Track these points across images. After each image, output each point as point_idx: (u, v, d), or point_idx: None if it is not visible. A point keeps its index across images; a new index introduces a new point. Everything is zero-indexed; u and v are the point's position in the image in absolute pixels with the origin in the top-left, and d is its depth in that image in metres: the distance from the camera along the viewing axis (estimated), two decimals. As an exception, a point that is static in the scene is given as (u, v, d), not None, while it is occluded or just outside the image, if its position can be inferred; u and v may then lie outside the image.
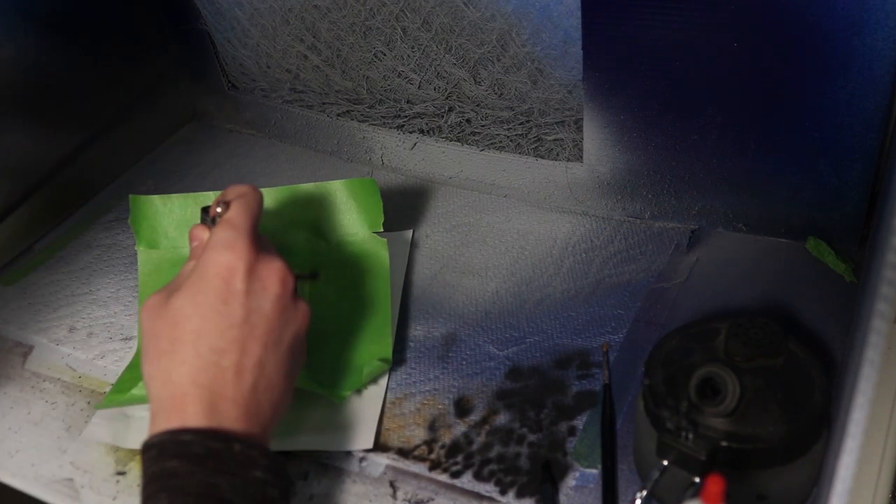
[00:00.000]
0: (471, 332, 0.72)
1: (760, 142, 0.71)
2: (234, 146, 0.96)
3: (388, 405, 0.66)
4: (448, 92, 0.84)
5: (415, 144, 0.87)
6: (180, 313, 0.52)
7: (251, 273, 0.53)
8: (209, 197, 0.75)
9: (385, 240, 0.76)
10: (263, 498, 0.49)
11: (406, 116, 0.87)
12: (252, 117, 0.96)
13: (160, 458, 0.48)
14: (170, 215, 0.75)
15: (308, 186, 0.77)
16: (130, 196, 0.75)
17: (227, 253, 0.53)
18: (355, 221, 0.77)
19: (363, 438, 0.63)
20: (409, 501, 0.59)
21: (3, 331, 0.75)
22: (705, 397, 0.52)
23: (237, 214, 0.56)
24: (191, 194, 0.76)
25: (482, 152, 0.84)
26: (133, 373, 0.67)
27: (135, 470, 0.63)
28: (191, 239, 0.59)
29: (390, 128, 0.88)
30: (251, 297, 0.53)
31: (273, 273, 0.54)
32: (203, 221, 0.60)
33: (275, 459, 0.51)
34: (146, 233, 0.75)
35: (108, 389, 0.69)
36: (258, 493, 0.49)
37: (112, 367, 0.71)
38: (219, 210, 0.57)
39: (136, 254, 0.75)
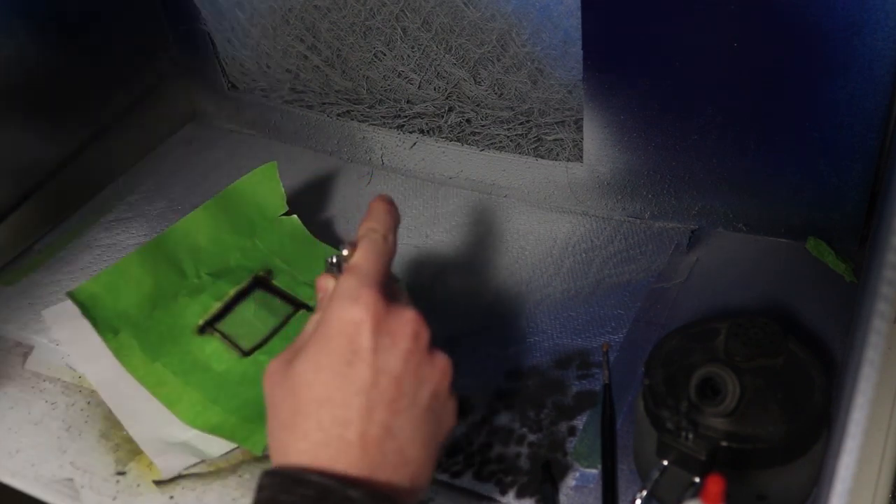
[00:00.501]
0: (471, 332, 0.72)
1: (760, 142, 0.71)
2: (234, 146, 0.96)
3: (388, 405, 0.66)
4: (448, 92, 0.84)
5: (415, 144, 0.87)
6: (301, 379, 0.46)
7: (378, 327, 0.46)
8: (132, 261, 0.72)
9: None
10: None
11: (406, 116, 0.87)
12: (252, 117, 0.96)
13: (319, 502, 0.43)
14: (113, 293, 0.71)
15: (218, 197, 0.77)
16: (68, 293, 0.71)
17: (351, 307, 0.46)
18: (260, 216, 0.78)
19: None
20: (409, 501, 0.59)
21: (3, 331, 0.75)
22: (705, 397, 0.52)
23: (364, 258, 0.49)
24: (119, 263, 0.72)
25: (482, 152, 0.84)
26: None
27: (135, 470, 0.63)
28: (317, 290, 0.53)
29: (390, 128, 0.88)
30: (379, 355, 0.46)
31: (404, 325, 0.47)
32: (328, 270, 0.52)
33: None
34: (104, 321, 0.70)
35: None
36: None
37: (112, 367, 0.71)
38: (345, 253, 0.51)
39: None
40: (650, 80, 0.71)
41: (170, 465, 0.62)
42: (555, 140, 0.81)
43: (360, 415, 0.45)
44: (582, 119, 0.76)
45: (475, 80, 0.82)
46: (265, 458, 0.63)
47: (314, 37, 0.87)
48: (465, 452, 0.62)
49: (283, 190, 0.78)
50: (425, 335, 0.48)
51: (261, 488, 0.44)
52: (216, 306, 0.72)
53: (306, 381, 0.46)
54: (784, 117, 0.69)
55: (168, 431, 0.65)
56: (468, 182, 0.86)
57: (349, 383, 0.45)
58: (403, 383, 0.46)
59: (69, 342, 0.72)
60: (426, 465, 0.47)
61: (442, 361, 0.48)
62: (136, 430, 0.65)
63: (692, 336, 0.58)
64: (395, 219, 0.52)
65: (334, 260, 0.51)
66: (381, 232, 0.51)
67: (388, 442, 0.45)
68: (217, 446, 0.63)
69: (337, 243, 0.82)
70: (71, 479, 0.63)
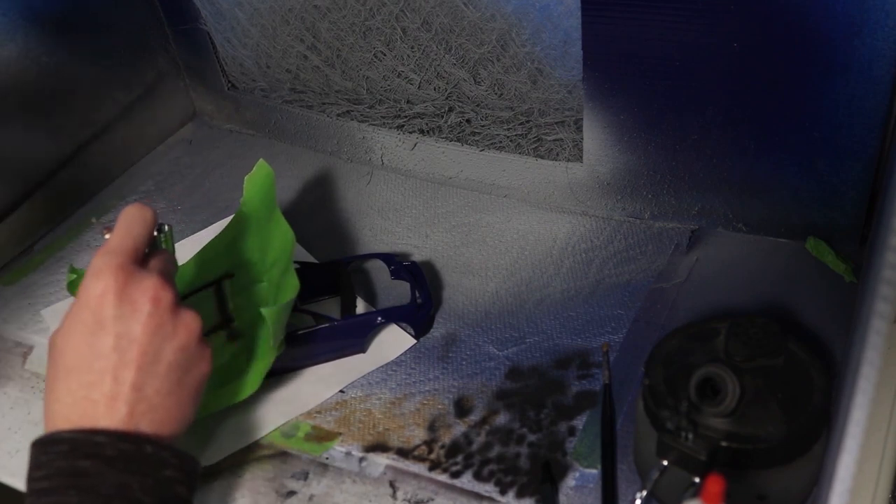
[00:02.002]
0: (471, 332, 0.71)
1: (760, 142, 0.71)
2: (234, 146, 0.96)
3: (388, 405, 0.66)
4: (448, 92, 0.84)
5: (415, 144, 0.87)
6: (57, 351, 0.53)
7: (121, 297, 0.52)
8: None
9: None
10: (173, 495, 0.51)
11: (406, 116, 0.87)
12: (252, 117, 0.96)
13: (71, 454, 0.49)
14: None
15: (228, 229, 0.74)
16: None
17: (95, 281, 0.52)
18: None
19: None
20: (409, 501, 0.60)
21: (3, 331, 0.75)
22: (705, 397, 0.52)
23: (114, 238, 0.55)
24: None
25: (482, 152, 0.84)
26: None
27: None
28: None
29: (390, 128, 0.88)
30: (120, 322, 0.52)
31: (144, 292, 0.53)
32: None
33: (185, 457, 0.52)
34: None
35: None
36: (168, 491, 0.51)
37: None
38: (106, 237, 0.56)
39: None
40: (650, 80, 0.71)
41: None
42: (555, 140, 0.81)
43: (103, 377, 0.51)
44: (582, 119, 0.76)
45: (475, 80, 0.82)
46: (265, 458, 0.63)
47: (314, 37, 0.87)
48: (464, 452, 0.62)
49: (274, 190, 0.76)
50: (167, 297, 0.53)
51: (30, 459, 0.51)
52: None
53: (60, 351, 0.53)
54: (784, 117, 0.69)
55: None
56: (468, 182, 0.86)
57: (93, 350, 0.52)
58: (144, 344, 0.52)
59: None
60: (178, 408, 0.54)
61: (187, 319, 0.54)
62: None
63: (692, 336, 0.58)
64: (145, 212, 0.57)
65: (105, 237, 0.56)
66: (135, 214, 0.56)
67: (133, 395, 0.52)
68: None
69: (336, 243, 0.82)
70: (71, 479, 0.63)
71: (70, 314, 0.53)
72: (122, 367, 0.52)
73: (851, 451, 0.42)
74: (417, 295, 0.72)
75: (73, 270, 0.71)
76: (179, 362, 0.54)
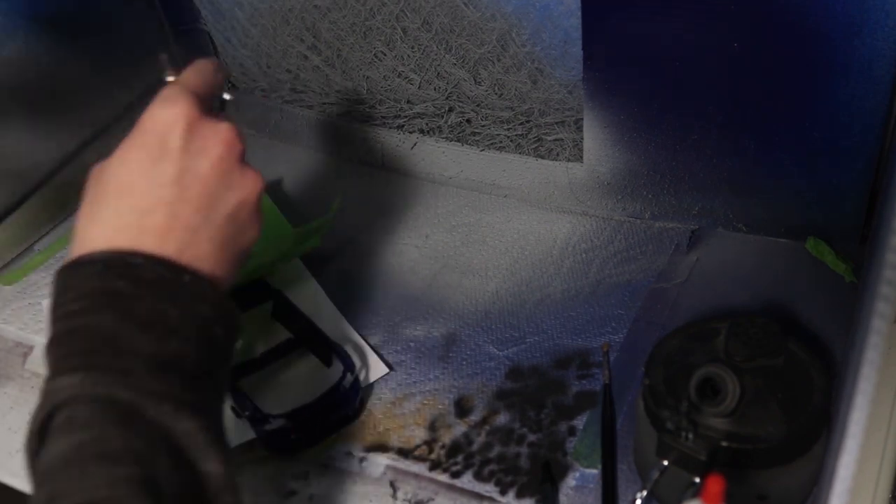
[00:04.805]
0: (471, 332, 0.72)
1: (760, 142, 0.71)
2: (234, 146, 0.96)
3: (388, 405, 0.66)
4: (448, 92, 0.84)
5: (415, 144, 0.87)
6: (109, 173, 0.48)
7: (191, 131, 0.48)
8: None
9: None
10: (211, 336, 0.46)
11: (406, 116, 0.87)
12: (252, 117, 0.96)
13: (106, 275, 0.45)
14: None
15: None
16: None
17: (166, 108, 0.48)
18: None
19: None
20: (409, 501, 0.60)
21: (3, 331, 0.75)
22: (705, 397, 0.52)
23: (186, 76, 0.52)
24: None
25: (482, 152, 0.84)
26: None
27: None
28: None
29: (390, 128, 0.88)
30: (187, 156, 0.48)
31: (217, 133, 0.49)
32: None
33: (223, 299, 0.48)
34: None
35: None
36: (205, 330, 0.46)
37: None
38: (170, 79, 0.53)
39: None
40: (650, 80, 0.71)
41: None
42: (555, 140, 0.81)
43: (160, 207, 0.47)
44: (582, 119, 0.76)
45: (475, 80, 0.82)
46: (265, 457, 0.63)
47: (314, 37, 0.87)
48: (464, 452, 0.62)
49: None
50: (239, 147, 0.50)
51: (55, 285, 0.46)
52: None
53: (113, 174, 0.48)
54: (784, 117, 0.69)
55: None
56: (468, 182, 0.86)
57: (152, 177, 0.47)
58: (209, 185, 0.48)
59: None
60: (222, 266, 0.48)
61: (253, 175, 0.51)
62: None
63: (692, 336, 0.58)
64: (218, 65, 0.55)
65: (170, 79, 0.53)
66: (207, 64, 0.54)
67: (185, 235, 0.47)
68: None
69: (335, 243, 0.82)
70: (71, 479, 0.63)
71: (129, 139, 0.49)
72: (180, 203, 0.47)
73: (851, 451, 0.42)
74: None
75: None
76: (236, 217, 0.49)
